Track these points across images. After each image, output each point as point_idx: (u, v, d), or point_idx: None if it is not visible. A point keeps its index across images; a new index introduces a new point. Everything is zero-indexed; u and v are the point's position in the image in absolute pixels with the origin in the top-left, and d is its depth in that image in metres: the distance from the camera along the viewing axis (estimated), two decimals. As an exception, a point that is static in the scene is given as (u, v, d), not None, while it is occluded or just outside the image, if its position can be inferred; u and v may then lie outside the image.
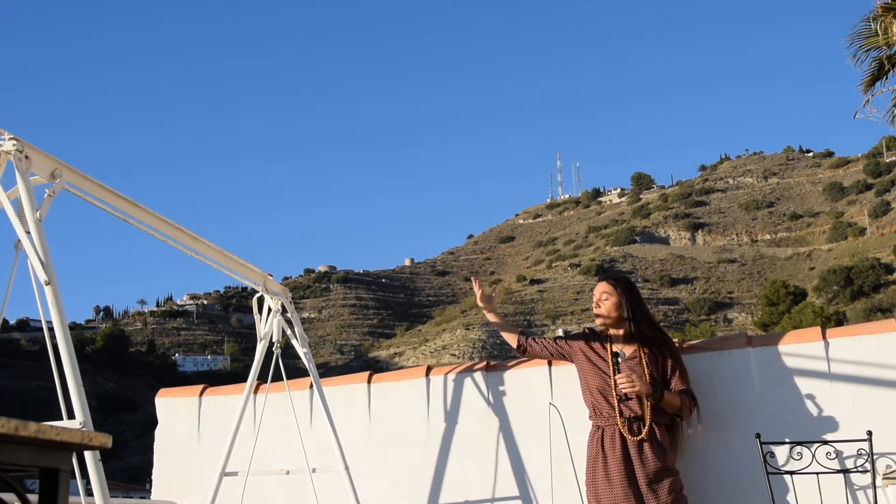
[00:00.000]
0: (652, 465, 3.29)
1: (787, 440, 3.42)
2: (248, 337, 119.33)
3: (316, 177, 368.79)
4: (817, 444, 3.35)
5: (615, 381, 3.37)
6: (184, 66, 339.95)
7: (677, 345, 3.64)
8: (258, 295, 4.08)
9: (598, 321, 3.60)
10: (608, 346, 3.54)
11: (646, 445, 3.32)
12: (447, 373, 4.27)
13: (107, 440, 1.56)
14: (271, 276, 4.05)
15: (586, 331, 3.69)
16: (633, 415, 3.36)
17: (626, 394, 3.36)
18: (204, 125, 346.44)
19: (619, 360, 3.48)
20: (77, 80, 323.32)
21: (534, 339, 3.71)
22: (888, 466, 3.33)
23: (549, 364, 4.03)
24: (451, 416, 4.18)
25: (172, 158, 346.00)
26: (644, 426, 3.34)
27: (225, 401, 4.71)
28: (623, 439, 3.34)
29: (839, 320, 55.70)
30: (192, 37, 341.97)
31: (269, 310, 4.09)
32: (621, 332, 3.55)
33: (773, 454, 3.39)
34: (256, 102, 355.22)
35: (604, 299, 3.57)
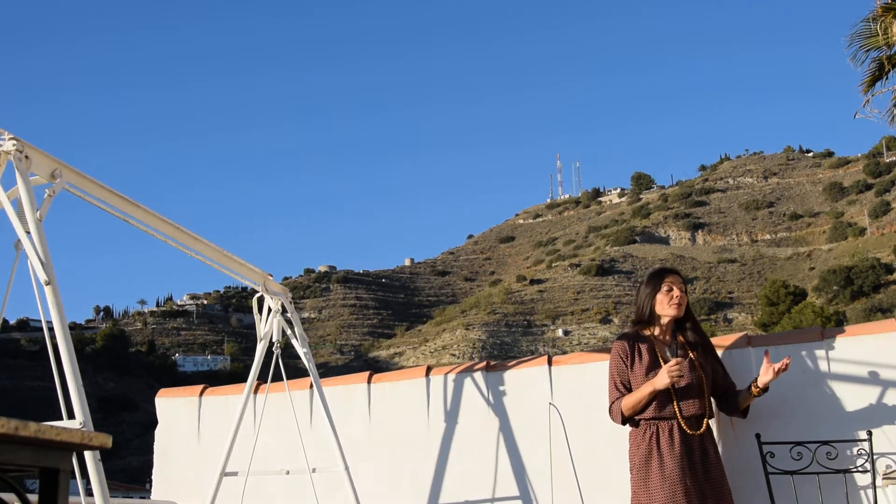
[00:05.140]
0: (714, 461, 3.26)
1: (787, 440, 3.42)
2: (248, 337, 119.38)
3: (316, 176, 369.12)
4: (817, 444, 3.35)
5: (670, 366, 3.19)
6: (193, 79, 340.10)
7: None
8: (258, 295, 4.08)
9: (674, 312, 3.39)
10: (655, 347, 3.39)
11: (706, 442, 3.28)
12: (447, 373, 4.27)
13: (107, 440, 1.56)
14: (271, 276, 4.05)
15: (624, 341, 3.46)
16: (693, 412, 3.28)
17: (674, 382, 3.22)
18: (207, 135, 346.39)
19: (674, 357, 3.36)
20: (84, 94, 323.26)
21: (619, 399, 3.40)
22: (888, 466, 3.33)
23: (549, 364, 4.03)
24: (451, 416, 4.18)
25: (173, 165, 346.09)
26: (703, 422, 3.29)
27: (225, 401, 4.71)
28: (682, 436, 3.24)
29: (839, 320, 55.67)
30: (200, 50, 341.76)
31: (269, 310, 4.10)
32: (667, 336, 3.43)
33: (773, 454, 3.39)
34: (264, 113, 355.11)
35: (683, 291, 3.44)
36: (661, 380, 3.22)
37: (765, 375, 3.29)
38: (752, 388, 3.34)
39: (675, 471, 3.17)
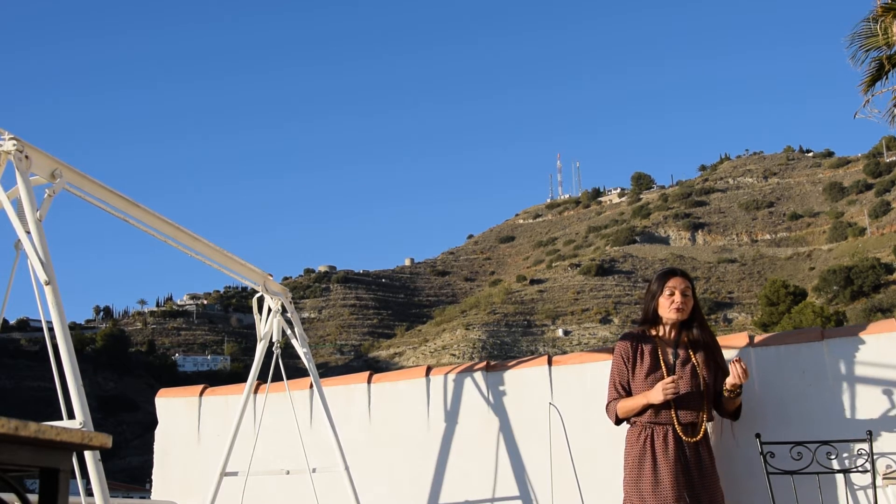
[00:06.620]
0: (708, 467, 3.26)
1: (787, 440, 3.42)
2: (248, 337, 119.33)
3: (316, 176, 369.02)
4: (817, 444, 3.35)
5: (665, 383, 3.20)
6: (192, 79, 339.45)
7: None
8: (258, 295, 4.08)
9: (675, 316, 3.38)
10: (658, 349, 3.39)
11: (701, 448, 3.27)
12: (447, 373, 4.27)
13: (107, 440, 1.56)
14: (271, 276, 4.05)
15: (627, 342, 3.44)
16: (690, 419, 3.27)
17: (673, 394, 3.21)
18: (207, 135, 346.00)
19: (676, 361, 3.36)
20: (84, 94, 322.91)
21: (616, 401, 3.41)
22: (888, 466, 3.33)
23: (549, 364, 4.03)
24: (451, 416, 4.18)
25: (173, 165, 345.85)
26: (700, 429, 3.28)
27: (225, 401, 4.71)
28: (677, 441, 3.24)
29: (839, 320, 55.59)
30: (199, 50, 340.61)
31: (269, 310, 4.10)
32: (672, 334, 3.42)
33: (773, 454, 3.39)
34: (264, 113, 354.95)
35: (686, 295, 3.40)
36: (656, 396, 3.24)
37: (731, 378, 3.27)
38: (724, 389, 3.34)
39: (668, 477, 3.18)
